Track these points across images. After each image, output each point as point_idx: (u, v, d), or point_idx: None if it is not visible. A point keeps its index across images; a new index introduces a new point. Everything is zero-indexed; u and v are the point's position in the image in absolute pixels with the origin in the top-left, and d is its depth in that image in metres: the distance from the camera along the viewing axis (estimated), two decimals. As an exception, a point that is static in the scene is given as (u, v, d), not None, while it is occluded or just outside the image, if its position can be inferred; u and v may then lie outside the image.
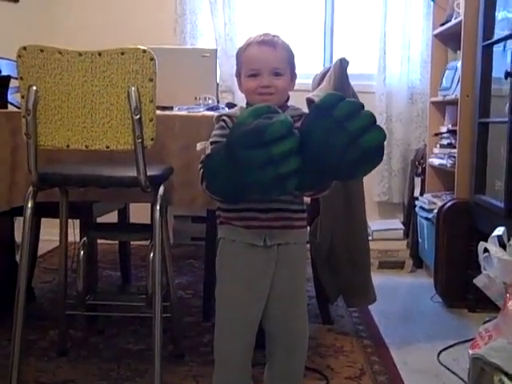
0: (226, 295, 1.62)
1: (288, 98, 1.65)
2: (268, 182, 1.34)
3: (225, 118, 1.59)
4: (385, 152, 4.26)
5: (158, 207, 1.98)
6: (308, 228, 2.21)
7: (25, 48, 1.84)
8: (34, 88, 1.85)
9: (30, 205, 1.94)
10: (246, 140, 1.36)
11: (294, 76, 1.64)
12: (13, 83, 2.47)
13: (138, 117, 1.84)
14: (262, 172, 1.33)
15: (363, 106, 1.43)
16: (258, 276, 1.59)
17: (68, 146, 1.91)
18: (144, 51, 1.83)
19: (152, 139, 1.90)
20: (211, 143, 1.57)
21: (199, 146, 1.67)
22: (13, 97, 2.67)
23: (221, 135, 1.55)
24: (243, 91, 1.63)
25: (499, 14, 2.76)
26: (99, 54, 1.84)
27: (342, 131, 1.37)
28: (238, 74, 1.64)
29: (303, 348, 1.69)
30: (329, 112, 1.38)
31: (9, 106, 2.61)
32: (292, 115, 1.60)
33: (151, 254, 2.00)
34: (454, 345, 2.43)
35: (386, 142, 4.22)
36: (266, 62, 1.56)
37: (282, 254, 1.59)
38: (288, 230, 1.59)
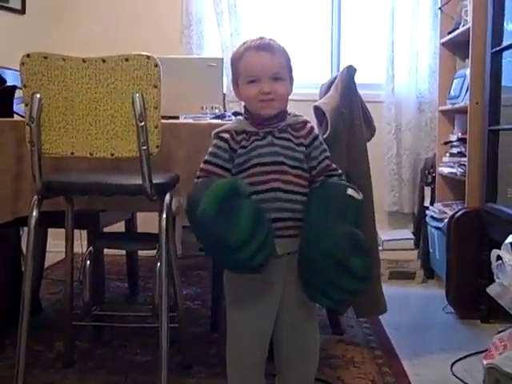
0: (236, 308, 1.58)
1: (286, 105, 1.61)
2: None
3: (222, 134, 1.56)
4: (394, 161, 4.23)
5: (164, 216, 1.95)
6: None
7: (28, 55, 1.84)
8: (38, 95, 1.84)
9: (34, 214, 1.92)
10: (209, 244, 1.44)
11: (291, 80, 1.61)
12: (19, 94, 2.47)
13: (142, 123, 1.83)
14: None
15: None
16: (268, 287, 1.56)
17: (72, 154, 1.90)
18: (148, 57, 1.82)
19: (157, 146, 1.88)
20: (205, 162, 1.56)
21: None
22: (19, 107, 2.66)
23: (214, 154, 1.55)
24: (242, 99, 1.59)
25: (508, 26, 2.74)
26: (103, 61, 1.83)
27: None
28: (235, 82, 1.60)
29: (314, 358, 1.65)
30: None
31: (15, 116, 2.59)
32: (293, 123, 1.58)
33: (158, 264, 1.97)
34: (467, 356, 2.38)
35: (395, 151, 4.18)
36: (265, 68, 1.53)
37: (292, 263, 1.55)
38: (297, 237, 1.55)
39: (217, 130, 1.59)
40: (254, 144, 1.54)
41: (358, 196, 1.57)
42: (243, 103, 1.61)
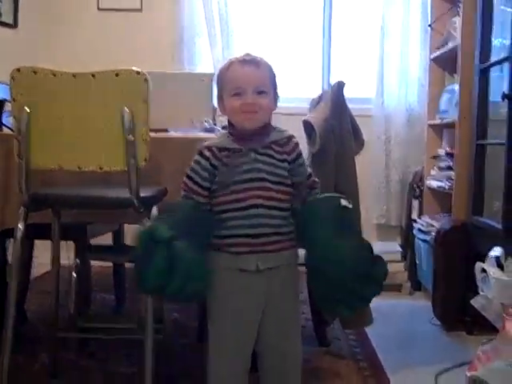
0: (218, 321, 1.59)
1: (270, 119, 1.63)
2: None
3: (204, 152, 1.57)
4: (383, 174, 4.24)
5: (150, 228, 1.96)
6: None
7: (18, 70, 1.85)
8: (27, 109, 1.85)
9: (20, 226, 1.93)
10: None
11: (276, 97, 1.62)
12: (9, 107, 2.47)
13: (131, 138, 1.84)
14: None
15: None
16: (250, 300, 1.57)
17: (61, 167, 1.91)
18: (138, 73, 1.84)
19: (145, 160, 1.89)
20: (187, 176, 1.59)
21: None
22: (8, 120, 2.67)
23: (195, 172, 1.57)
24: (226, 112, 1.60)
25: (495, 41, 2.78)
26: (93, 76, 1.85)
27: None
28: (220, 97, 1.61)
29: (296, 370, 1.66)
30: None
31: (3, 128, 2.60)
32: (278, 138, 1.60)
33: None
34: (452, 368, 2.40)
35: (384, 164, 4.20)
36: (249, 80, 1.54)
37: (274, 277, 1.57)
38: (279, 252, 1.57)
39: (200, 146, 1.60)
40: (237, 161, 1.55)
41: (350, 205, 1.61)
42: (227, 117, 1.62)
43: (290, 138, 1.63)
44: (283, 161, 1.59)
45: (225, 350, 1.59)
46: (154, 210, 1.97)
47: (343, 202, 1.59)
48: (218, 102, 1.63)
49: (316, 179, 1.67)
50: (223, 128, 2.79)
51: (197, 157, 1.58)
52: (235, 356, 1.59)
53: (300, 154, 1.63)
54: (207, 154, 1.56)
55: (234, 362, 1.59)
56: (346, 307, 1.57)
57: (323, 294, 1.59)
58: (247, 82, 1.54)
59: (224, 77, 1.59)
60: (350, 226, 1.60)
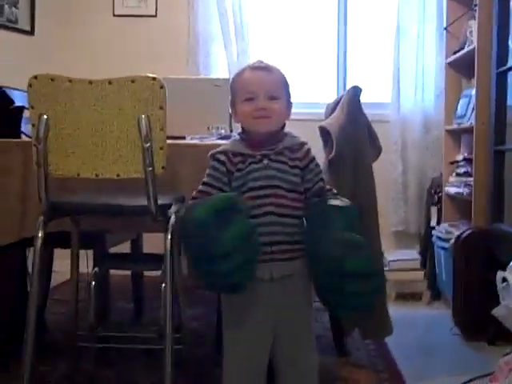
0: (232, 330, 1.59)
1: (284, 126, 1.62)
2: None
3: (218, 156, 1.56)
4: (400, 181, 4.21)
5: (169, 236, 1.95)
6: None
7: (35, 77, 1.85)
8: (45, 117, 1.85)
9: (40, 234, 1.93)
10: (196, 254, 1.44)
11: (289, 104, 1.62)
12: (27, 114, 2.48)
13: (148, 145, 1.83)
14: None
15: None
16: (263, 310, 1.56)
17: (78, 175, 1.91)
18: (154, 79, 1.84)
19: (163, 167, 1.89)
20: (204, 183, 1.57)
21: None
22: (27, 127, 2.68)
23: (213, 177, 1.56)
24: (238, 119, 1.59)
25: (512, 44, 2.76)
26: (109, 83, 1.84)
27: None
28: (233, 103, 1.60)
29: (313, 381, 1.64)
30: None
31: (22, 136, 2.61)
32: (290, 145, 1.59)
33: (163, 285, 1.97)
34: (473, 379, 2.35)
35: (401, 171, 4.16)
36: (261, 84, 1.54)
37: (287, 286, 1.56)
38: (292, 260, 1.56)
39: (212, 151, 1.59)
40: (250, 167, 1.54)
41: (342, 203, 1.58)
42: (240, 124, 1.61)
43: (303, 144, 1.62)
44: (295, 167, 1.58)
45: (239, 359, 1.57)
46: (173, 218, 1.96)
47: (332, 202, 1.58)
48: (231, 108, 1.63)
49: (327, 186, 1.64)
50: (239, 134, 2.79)
51: (213, 162, 1.57)
52: (249, 365, 1.57)
53: (312, 160, 1.61)
54: (223, 158, 1.56)
55: (248, 371, 1.57)
56: (339, 306, 1.52)
57: (321, 295, 1.54)
58: (258, 87, 1.54)
59: (236, 83, 1.60)
60: (346, 224, 1.54)
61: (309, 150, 1.62)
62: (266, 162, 1.55)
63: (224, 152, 1.57)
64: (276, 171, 1.55)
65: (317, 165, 1.63)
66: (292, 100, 1.63)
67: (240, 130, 1.64)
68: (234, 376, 1.59)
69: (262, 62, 1.61)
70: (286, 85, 1.60)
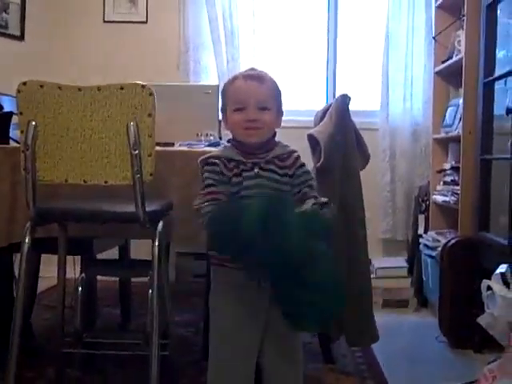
0: (220, 337, 1.60)
1: (275, 135, 1.63)
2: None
3: (212, 160, 1.56)
4: (389, 189, 4.21)
5: (156, 243, 1.96)
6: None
7: (24, 83, 1.86)
8: (34, 123, 1.85)
9: (27, 240, 1.93)
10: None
11: (280, 113, 1.62)
12: (15, 120, 2.48)
13: (136, 152, 1.84)
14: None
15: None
16: (252, 316, 1.57)
17: (66, 181, 1.91)
18: (143, 86, 1.84)
19: (151, 174, 1.89)
20: (208, 185, 1.54)
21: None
22: (15, 133, 2.67)
23: (215, 174, 1.54)
24: (228, 127, 1.60)
25: (500, 53, 2.78)
26: (98, 89, 1.85)
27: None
28: (224, 111, 1.61)
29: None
30: None
31: (10, 141, 2.61)
32: (280, 153, 1.59)
33: (150, 291, 1.97)
34: (459, 386, 2.38)
35: (389, 179, 4.16)
36: (252, 95, 1.54)
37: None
38: None
39: (204, 156, 1.59)
40: (244, 174, 1.55)
41: (311, 209, 1.54)
42: (229, 131, 1.62)
43: (292, 152, 1.63)
44: (284, 175, 1.59)
45: (226, 368, 1.58)
46: (160, 225, 1.97)
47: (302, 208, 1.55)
48: (222, 116, 1.64)
49: (312, 193, 1.61)
50: (228, 141, 2.80)
51: (210, 167, 1.56)
52: (236, 372, 1.58)
53: (299, 167, 1.62)
54: (218, 161, 1.55)
55: (234, 378, 1.58)
56: (288, 317, 1.47)
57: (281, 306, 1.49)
58: (249, 97, 1.54)
59: (227, 91, 1.60)
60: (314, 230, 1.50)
61: (298, 157, 1.63)
62: (256, 170, 1.56)
63: (217, 157, 1.57)
64: (266, 180, 1.56)
65: (306, 172, 1.63)
66: (282, 110, 1.63)
67: (230, 137, 1.64)
68: (221, 378, 1.59)
69: (254, 69, 1.62)
70: (277, 94, 1.61)
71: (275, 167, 1.58)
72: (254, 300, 1.56)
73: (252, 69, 1.62)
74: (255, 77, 1.58)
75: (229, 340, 1.57)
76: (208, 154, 1.59)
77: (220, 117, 1.70)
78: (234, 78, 1.60)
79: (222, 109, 1.63)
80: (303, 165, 1.64)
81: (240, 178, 1.55)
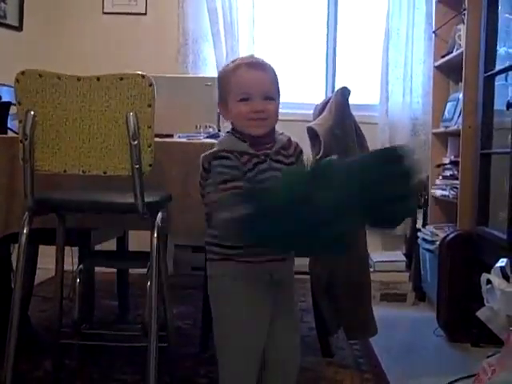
0: (225, 332, 1.57)
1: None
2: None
3: (223, 154, 1.47)
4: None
5: (155, 234, 1.95)
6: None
7: (23, 73, 1.84)
8: (32, 113, 1.84)
9: (25, 230, 1.92)
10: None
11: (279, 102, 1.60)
12: (14, 110, 2.47)
13: (135, 142, 1.83)
14: None
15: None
16: (259, 311, 1.55)
17: (65, 171, 1.90)
18: (143, 77, 1.83)
19: (150, 165, 1.88)
20: (224, 181, 1.43)
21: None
22: (13, 123, 2.66)
23: (235, 176, 1.44)
24: (230, 117, 1.54)
25: (500, 49, 2.77)
26: (98, 79, 1.84)
27: None
28: (224, 99, 1.54)
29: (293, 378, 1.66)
30: None
31: (9, 132, 2.59)
32: (283, 142, 1.58)
33: (148, 283, 1.97)
34: (457, 380, 2.37)
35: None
36: (257, 85, 1.50)
37: (280, 288, 1.57)
38: (285, 261, 1.57)
39: (212, 150, 1.51)
40: (258, 168, 1.50)
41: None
42: (230, 121, 1.57)
43: (289, 139, 1.62)
44: (290, 164, 1.57)
45: (242, 352, 1.56)
46: (159, 216, 1.96)
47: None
48: (220, 104, 1.59)
49: None
50: (228, 133, 2.79)
51: (221, 161, 1.46)
52: (247, 365, 1.57)
53: (300, 152, 1.62)
54: (231, 156, 1.47)
55: (245, 371, 1.57)
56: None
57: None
58: (255, 88, 1.50)
59: (230, 80, 1.54)
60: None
61: (297, 144, 1.63)
62: (268, 162, 1.52)
63: (229, 151, 1.48)
64: (278, 172, 1.52)
65: (302, 159, 1.63)
66: (280, 99, 1.59)
67: (230, 129, 1.59)
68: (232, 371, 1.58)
69: (253, 57, 1.59)
70: (277, 82, 1.58)
71: (282, 157, 1.56)
72: (262, 292, 1.54)
73: (251, 56, 1.60)
74: (258, 65, 1.54)
75: (237, 336, 1.55)
76: (215, 148, 1.51)
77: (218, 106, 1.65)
78: (236, 67, 1.54)
79: (220, 98, 1.57)
80: (302, 151, 1.63)
81: (254, 171, 1.50)
